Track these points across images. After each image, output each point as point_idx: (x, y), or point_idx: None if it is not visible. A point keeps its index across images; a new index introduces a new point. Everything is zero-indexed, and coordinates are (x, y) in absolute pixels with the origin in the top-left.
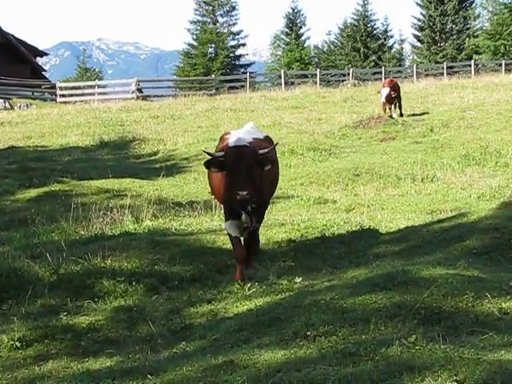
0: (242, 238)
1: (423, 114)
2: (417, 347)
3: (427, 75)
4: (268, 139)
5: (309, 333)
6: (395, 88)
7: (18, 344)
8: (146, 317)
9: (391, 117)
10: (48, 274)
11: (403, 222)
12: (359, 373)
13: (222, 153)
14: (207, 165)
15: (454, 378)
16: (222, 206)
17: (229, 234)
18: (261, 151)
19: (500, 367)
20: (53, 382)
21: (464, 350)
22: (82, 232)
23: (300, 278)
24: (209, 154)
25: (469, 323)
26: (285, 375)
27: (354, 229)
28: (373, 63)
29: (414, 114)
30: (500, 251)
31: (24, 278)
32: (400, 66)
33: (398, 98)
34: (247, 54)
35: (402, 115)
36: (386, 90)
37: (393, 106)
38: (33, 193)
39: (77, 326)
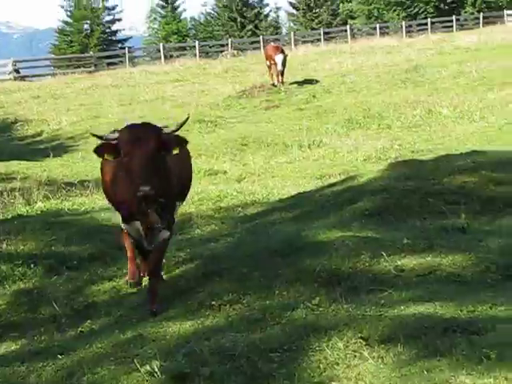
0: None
1: (304, 80)
2: (321, 309)
3: (305, 42)
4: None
5: (214, 302)
6: (284, 53)
7: None
8: (47, 298)
9: (274, 85)
10: None
11: (294, 188)
12: (267, 337)
13: (116, 134)
14: (98, 151)
15: (359, 335)
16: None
17: (124, 234)
18: (166, 130)
19: (401, 322)
20: None
21: (365, 308)
22: None
23: (199, 249)
24: (99, 137)
25: (367, 282)
26: (195, 345)
27: (247, 198)
28: (250, 32)
29: (295, 82)
30: (391, 211)
31: None
32: (277, 34)
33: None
34: (124, 29)
35: (283, 83)
36: (280, 57)
37: (273, 74)
38: None
39: None
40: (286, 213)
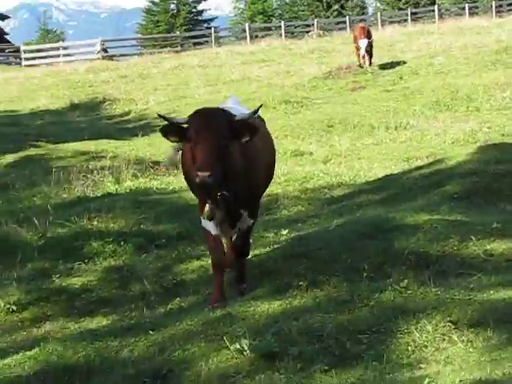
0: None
1: (391, 62)
2: (409, 292)
3: (391, 22)
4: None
5: (301, 283)
6: (370, 36)
7: (14, 307)
8: (137, 275)
9: (360, 66)
10: (36, 238)
11: (381, 170)
12: (355, 319)
13: (184, 118)
14: (164, 132)
15: (448, 318)
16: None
17: (205, 231)
18: (238, 116)
19: (491, 307)
20: (56, 342)
21: (454, 291)
22: (65, 195)
23: (286, 230)
24: (165, 118)
25: (456, 266)
26: (283, 325)
27: (333, 179)
28: (336, 12)
29: (382, 63)
30: (480, 195)
31: (12, 243)
32: (363, 14)
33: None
34: (209, 9)
35: (371, 64)
36: (364, 42)
37: (360, 55)
38: (9, 158)
39: (70, 288)
40: (373, 195)
